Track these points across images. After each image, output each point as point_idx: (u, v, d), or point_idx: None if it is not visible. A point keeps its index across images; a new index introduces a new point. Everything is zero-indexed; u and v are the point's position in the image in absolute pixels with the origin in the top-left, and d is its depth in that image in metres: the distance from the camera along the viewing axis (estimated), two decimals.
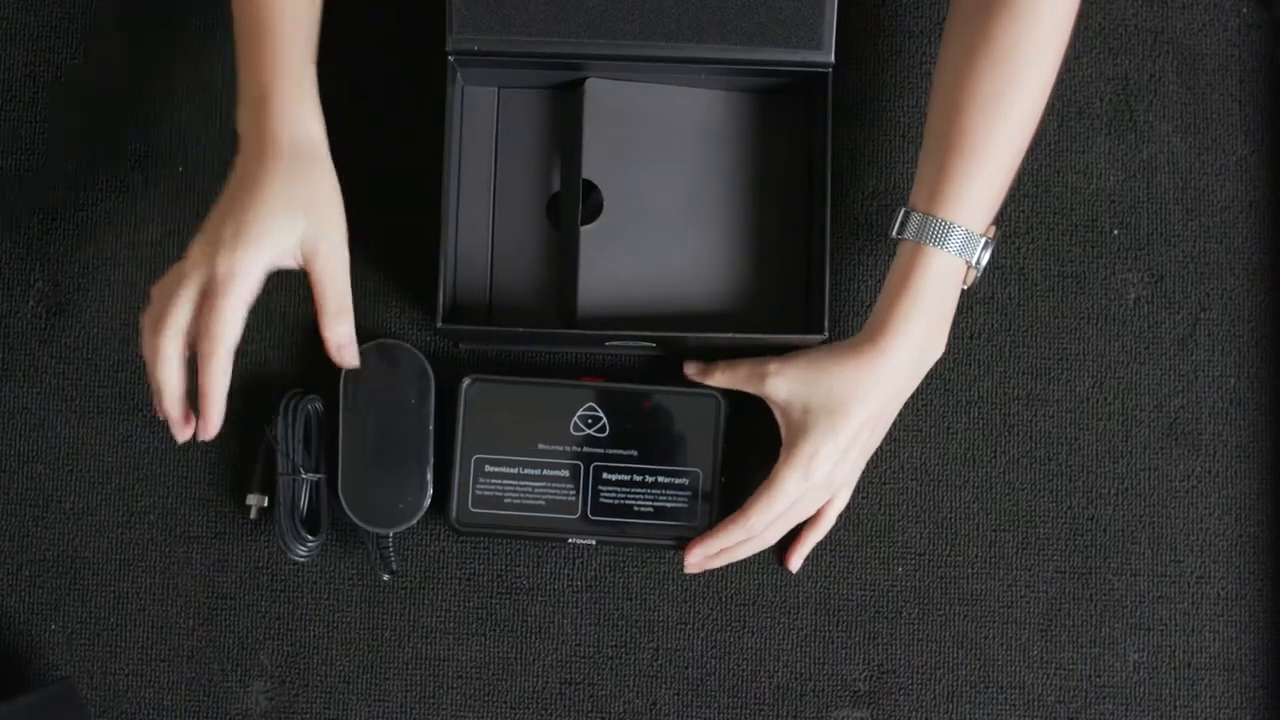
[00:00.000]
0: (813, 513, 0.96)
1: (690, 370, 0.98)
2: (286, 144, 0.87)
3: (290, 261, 0.88)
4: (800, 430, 0.91)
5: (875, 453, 1.00)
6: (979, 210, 0.89)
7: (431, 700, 0.99)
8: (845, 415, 0.90)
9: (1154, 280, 1.01)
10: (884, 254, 1.01)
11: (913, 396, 1.00)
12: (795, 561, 0.99)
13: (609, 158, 0.98)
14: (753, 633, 0.99)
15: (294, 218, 0.87)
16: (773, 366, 0.93)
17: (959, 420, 1.00)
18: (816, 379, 0.91)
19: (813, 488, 0.92)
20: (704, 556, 0.95)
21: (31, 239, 1.02)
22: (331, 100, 1.02)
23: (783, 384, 0.92)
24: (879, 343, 0.90)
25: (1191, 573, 0.99)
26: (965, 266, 0.90)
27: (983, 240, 0.89)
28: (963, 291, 0.91)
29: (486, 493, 0.97)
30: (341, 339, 0.91)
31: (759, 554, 0.99)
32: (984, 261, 0.90)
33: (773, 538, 0.95)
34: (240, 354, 1.01)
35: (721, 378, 0.96)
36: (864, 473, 1.00)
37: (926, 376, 1.00)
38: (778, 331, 0.98)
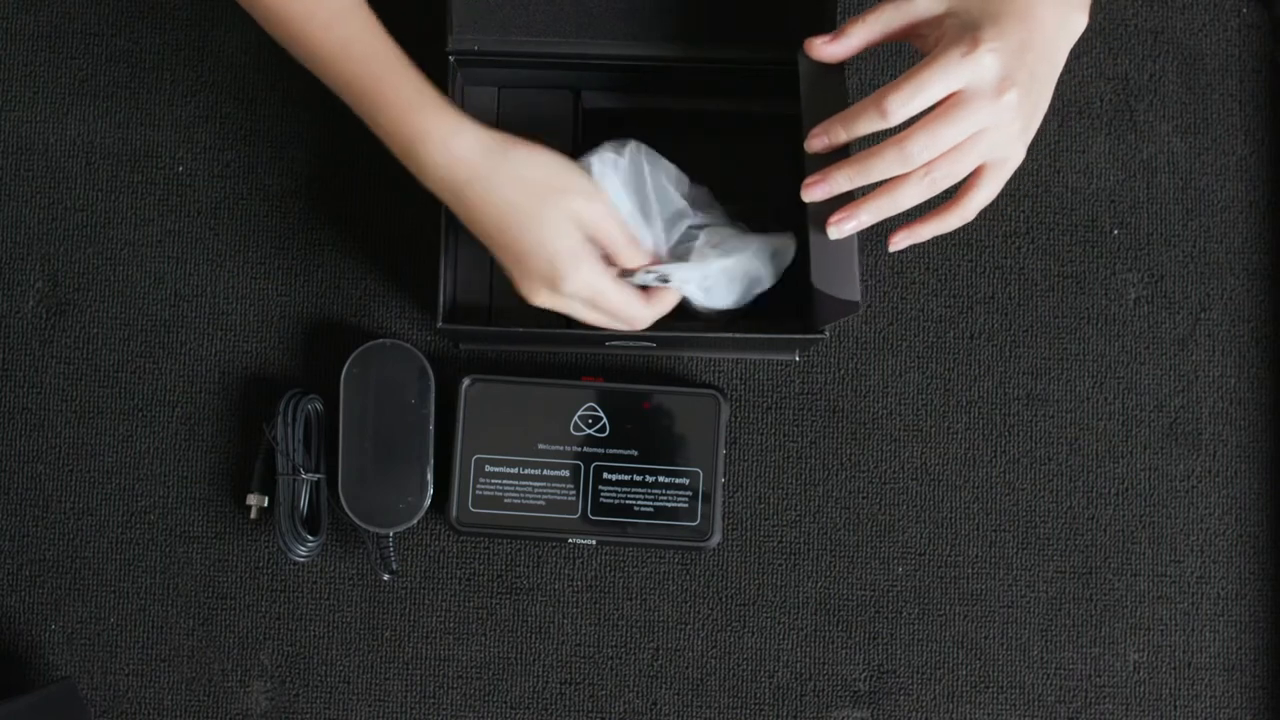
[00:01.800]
0: (955, 134, 0.79)
1: (816, 43, 0.84)
2: (476, 166, 0.86)
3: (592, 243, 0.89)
4: (959, 27, 0.78)
5: (875, 453, 1.00)
6: None
7: (431, 700, 0.99)
8: (1017, 15, 0.77)
9: (1154, 280, 1.01)
10: (884, 254, 1.01)
11: (913, 396, 1.00)
12: (900, 239, 0.84)
13: None
14: (753, 633, 0.99)
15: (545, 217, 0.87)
16: None
17: (959, 420, 1.00)
18: None
19: (980, 83, 0.77)
20: (827, 144, 0.82)
21: (31, 239, 1.02)
22: (332, 100, 1.02)
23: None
24: None
25: (1191, 573, 0.99)
26: None
27: None
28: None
29: (486, 493, 0.97)
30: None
31: (760, 554, 0.99)
32: None
33: (918, 154, 0.78)
34: (240, 353, 1.01)
35: (860, 30, 0.82)
36: (864, 472, 1.00)
37: (928, 375, 1.00)
38: (778, 331, 0.98)
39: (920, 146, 0.78)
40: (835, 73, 0.85)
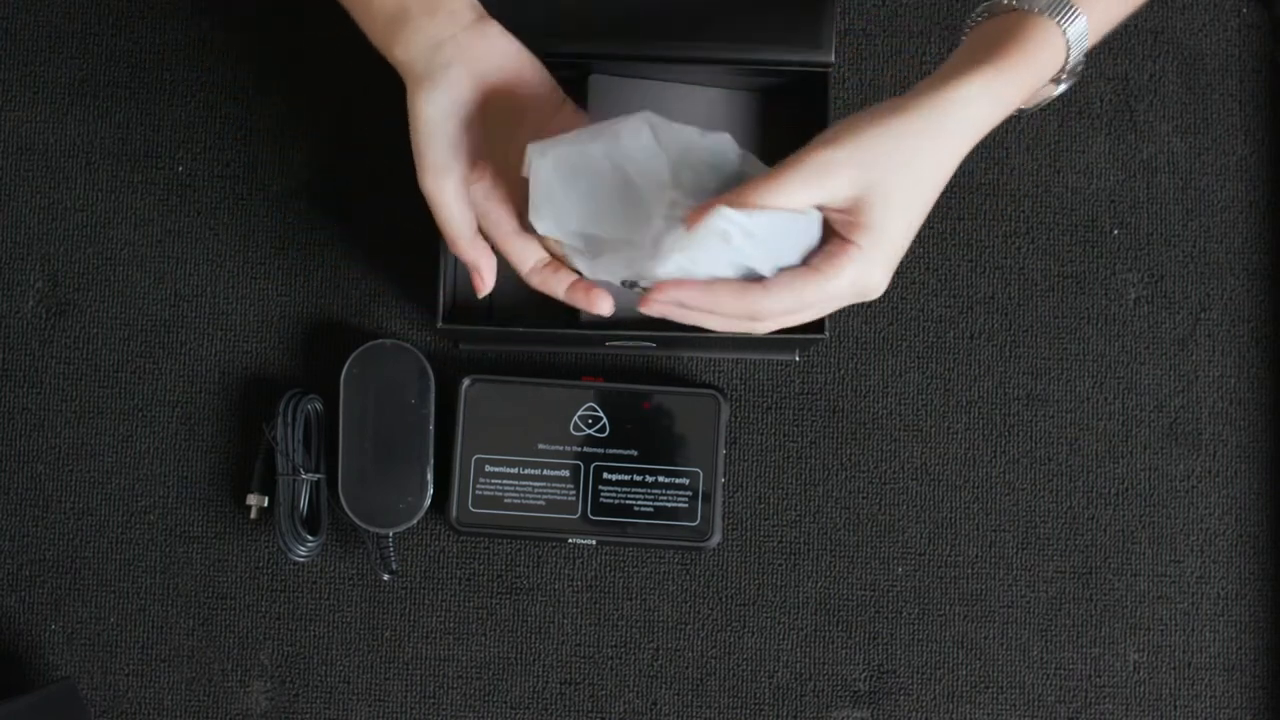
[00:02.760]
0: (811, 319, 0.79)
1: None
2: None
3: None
4: (875, 231, 0.74)
5: (875, 453, 1.00)
6: (1101, 17, 0.78)
7: (431, 700, 0.99)
8: (920, 193, 0.75)
9: (1154, 280, 1.01)
10: None
11: (913, 396, 1.00)
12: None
13: None
14: (753, 633, 0.99)
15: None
16: (826, 168, 0.73)
17: (959, 420, 1.00)
18: (881, 152, 0.73)
19: (855, 296, 0.77)
20: (675, 301, 0.76)
21: (31, 239, 1.02)
22: (333, 99, 1.02)
23: (845, 182, 0.73)
24: (959, 93, 0.74)
25: (1191, 573, 0.99)
26: (1059, 70, 0.78)
27: (1084, 56, 0.78)
28: (1017, 115, 0.79)
29: (486, 493, 0.97)
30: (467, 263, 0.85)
31: (760, 554, 0.99)
32: (1061, 87, 0.79)
33: (763, 330, 0.79)
34: (240, 353, 1.01)
35: (775, 194, 0.73)
36: (864, 472, 1.00)
37: (928, 375, 1.00)
38: (778, 331, 0.98)
39: (768, 329, 0.79)
40: None
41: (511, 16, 0.92)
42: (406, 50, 0.83)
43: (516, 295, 0.99)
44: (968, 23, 0.81)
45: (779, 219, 0.74)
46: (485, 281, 0.87)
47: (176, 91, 1.03)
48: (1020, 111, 0.79)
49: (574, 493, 0.97)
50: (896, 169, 0.73)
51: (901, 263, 0.99)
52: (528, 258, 0.85)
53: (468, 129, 0.82)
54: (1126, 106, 1.02)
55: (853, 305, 0.78)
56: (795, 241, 0.75)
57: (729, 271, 0.75)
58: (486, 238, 0.86)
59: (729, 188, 0.75)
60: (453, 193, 0.83)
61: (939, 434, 1.00)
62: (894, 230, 0.75)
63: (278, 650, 1.00)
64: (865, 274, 0.76)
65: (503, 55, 0.84)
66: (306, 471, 0.97)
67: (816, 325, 0.94)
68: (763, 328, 0.78)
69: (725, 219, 0.72)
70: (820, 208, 0.75)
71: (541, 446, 0.97)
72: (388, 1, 0.83)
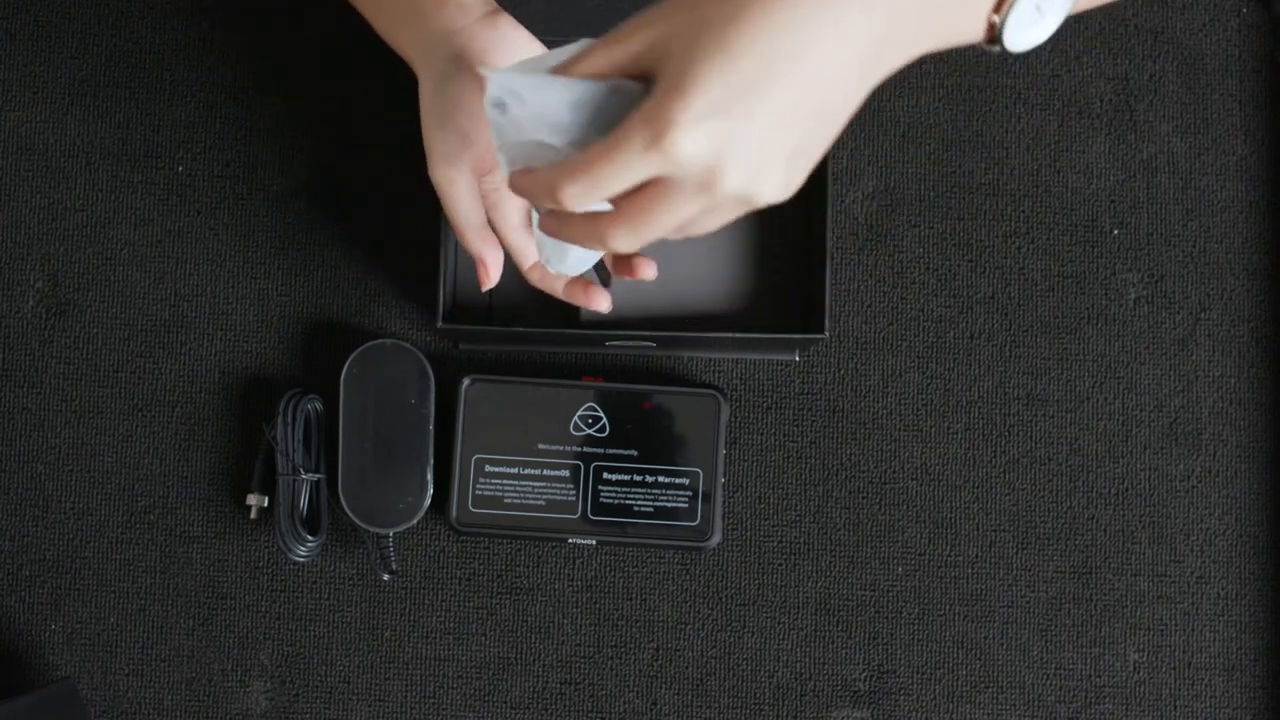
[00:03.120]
0: (661, 229, 0.65)
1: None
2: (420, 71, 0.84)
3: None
4: (671, 76, 0.62)
5: (875, 453, 1.00)
6: None
7: (431, 700, 0.99)
8: (761, 53, 0.61)
9: (1154, 280, 1.01)
10: (884, 254, 1.01)
11: (913, 396, 1.00)
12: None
13: None
14: (753, 633, 0.99)
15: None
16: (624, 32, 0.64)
17: (959, 420, 1.00)
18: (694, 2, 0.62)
19: (681, 175, 0.62)
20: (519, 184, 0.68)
21: (31, 239, 1.02)
22: (333, 99, 1.02)
23: (645, 37, 0.64)
24: None
25: (1191, 573, 0.99)
26: None
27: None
28: (987, 50, 0.68)
29: (486, 493, 0.97)
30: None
31: (760, 554, 0.99)
32: (1024, 21, 0.65)
33: (622, 246, 0.66)
34: (240, 353, 1.01)
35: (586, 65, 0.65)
36: (864, 472, 1.00)
37: (928, 375, 1.00)
38: (778, 331, 0.98)
39: (622, 243, 0.66)
40: None
41: (511, 15, 0.92)
42: (415, 43, 0.83)
43: (517, 295, 0.99)
44: None
45: (558, 84, 0.66)
46: (490, 275, 0.87)
47: (176, 91, 1.03)
48: (997, 42, 0.67)
49: (574, 493, 0.97)
50: (711, 18, 0.61)
51: (901, 261, 1.01)
52: (530, 254, 0.86)
53: (478, 120, 0.82)
54: (1126, 106, 1.02)
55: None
56: (592, 116, 0.66)
57: (536, 152, 0.68)
58: (495, 231, 0.86)
59: None
60: (461, 183, 0.83)
61: (939, 434, 1.00)
62: (706, 80, 0.61)
63: (278, 650, 1.00)
64: (661, 128, 0.61)
65: (515, 47, 0.83)
66: (306, 471, 0.97)
67: (817, 325, 0.94)
68: (583, 228, 0.67)
69: (495, 83, 0.66)
70: (635, 77, 0.65)
71: (541, 446, 0.97)
72: None
